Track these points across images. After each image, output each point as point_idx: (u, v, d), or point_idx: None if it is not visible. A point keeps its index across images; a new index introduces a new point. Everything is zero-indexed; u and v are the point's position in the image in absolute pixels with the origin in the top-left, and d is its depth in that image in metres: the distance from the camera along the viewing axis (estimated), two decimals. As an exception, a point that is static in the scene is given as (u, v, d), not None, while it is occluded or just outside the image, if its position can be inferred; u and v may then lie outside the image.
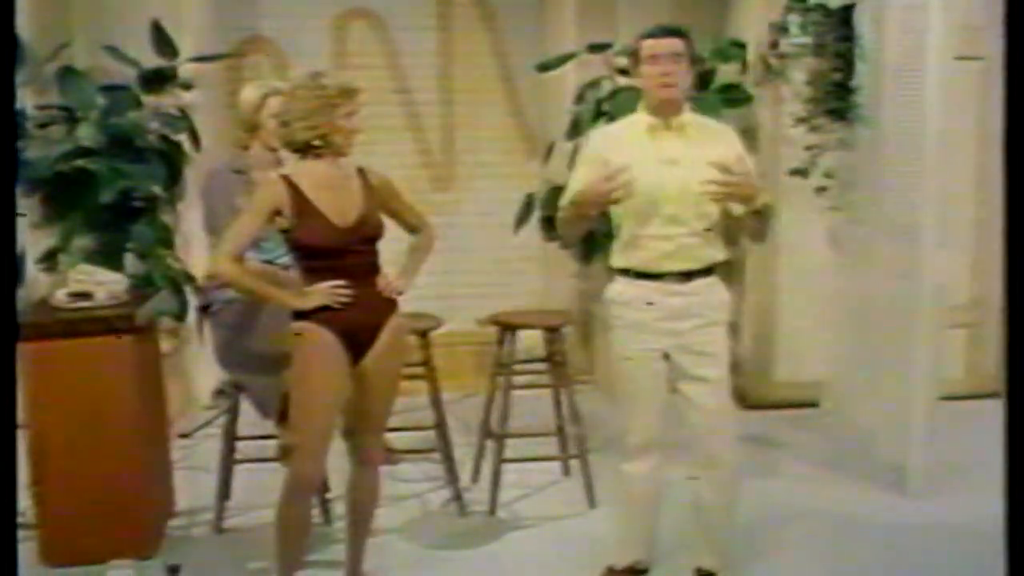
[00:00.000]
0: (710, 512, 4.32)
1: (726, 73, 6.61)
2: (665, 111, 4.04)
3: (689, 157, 3.95)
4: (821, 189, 6.16)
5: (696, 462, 4.22)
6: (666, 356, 4.10)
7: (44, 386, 4.34)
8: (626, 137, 4.12)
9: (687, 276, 4.05)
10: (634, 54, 4.06)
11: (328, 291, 3.78)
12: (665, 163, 3.98)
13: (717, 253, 4.13)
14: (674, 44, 3.96)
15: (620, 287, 4.17)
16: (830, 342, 6.30)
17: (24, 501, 4.51)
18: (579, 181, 4.10)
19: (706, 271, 4.09)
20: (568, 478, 5.55)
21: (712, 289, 4.12)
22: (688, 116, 4.08)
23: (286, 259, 4.42)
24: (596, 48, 6.53)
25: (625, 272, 4.15)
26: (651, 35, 4.00)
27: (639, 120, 4.12)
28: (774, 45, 6.47)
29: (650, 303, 4.07)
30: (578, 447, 5.27)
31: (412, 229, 4.18)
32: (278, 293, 3.93)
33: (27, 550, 4.47)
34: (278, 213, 3.78)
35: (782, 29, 6.38)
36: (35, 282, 5.85)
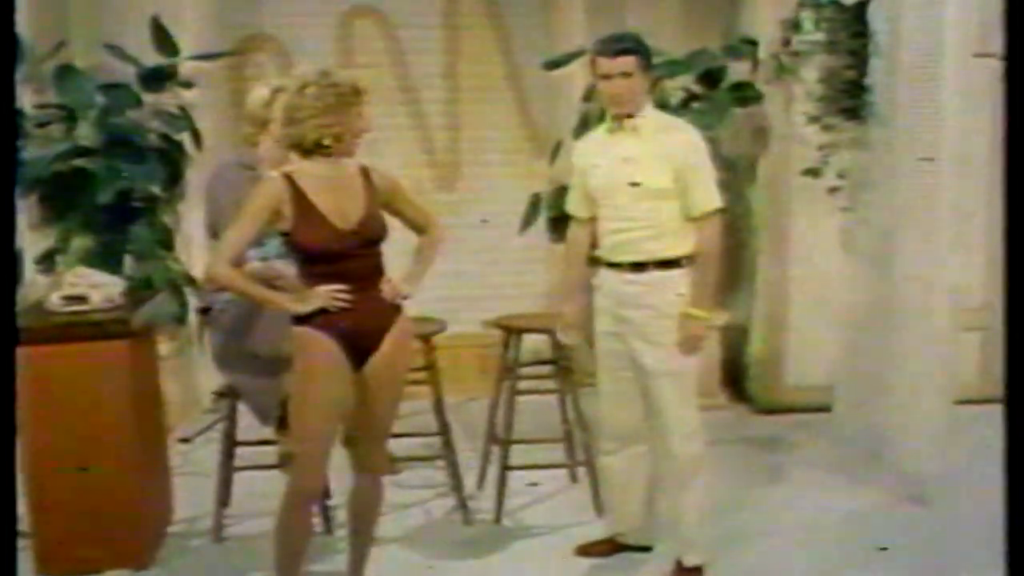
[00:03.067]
0: (671, 505, 4.50)
1: (737, 71, 6.56)
2: (620, 116, 4.32)
3: (642, 155, 4.24)
4: (834, 189, 6.11)
5: (655, 453, 4.47)
6: (624, 340, 4.35)
7: (37, 392, 4.22)
8: (596, 139, 4.51)
9: (639, 267, 4.29)
10: (592, 61, 4.31)
11: (327, 295, 3.67)
12: (620, 161, 4.28)
13: (675, 247, 4.27)
14: (624, 63, 4.20)
15: (599, 274, 4.49)
16: (841, 345, 6.25)
17: (20, 509, 4.41)
18: (573, 200, 4.60)
19: (664, 264, 4.27)
20: (575, 485, 5.46)
21: (669, 282, 4.28)
22: (644, 118, 4.31)
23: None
24: None
25: (597, 261, 4.48)
26: (602, 52, 4.25)
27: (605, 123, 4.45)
28: (786, 42, 6.41)
29: (605, 288, 4.42)
30: (585, 453, 5.16)
31: (419, 230, 4.04)
32: (275, 297, 3.83)
33: (23, 559, 4.35)
34: (278, 213, 3.66)
35: (794, 26, 6.31)
36: (33, 284, 5.76)
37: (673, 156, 4.22)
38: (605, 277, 4.43)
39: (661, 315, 4.27)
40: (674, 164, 4.21)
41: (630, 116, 4.28)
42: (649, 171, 4.22)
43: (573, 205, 4.61)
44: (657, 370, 4.29)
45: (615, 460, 4.60)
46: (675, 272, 4.28)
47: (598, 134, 4.51)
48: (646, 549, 4.71)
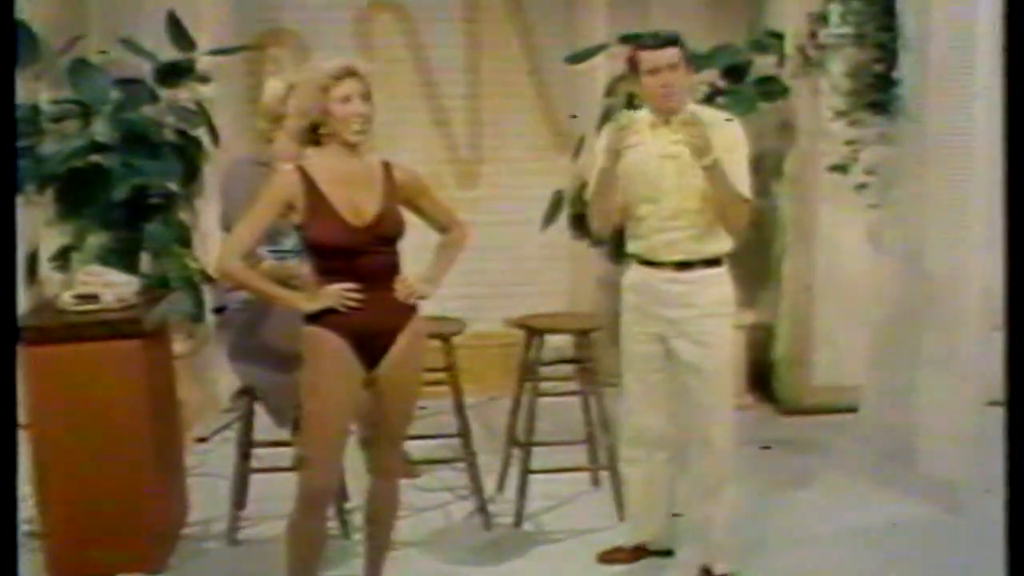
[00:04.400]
0: (700, 509, 4.40)
1: (762, 65, 6.50)
2: (666, 110, 4.20)
3: (687, 153, 4.07)
4: (861, 186, 6.02)
5: (690, 454, 4.38)
6: (662, 340, 4.26)
7: (48, 392, 4.19)
8: (632, 132, 4.23)
9: (685, 266, 4.21)
10: (632, 62, 4.25)
11: (338, 293, 3.58)
12: (664, 157, 4.17)
13: (717, 246, 4.24)
14: (671, 55, 4.14)
15: (631, 272, 4.41)
16: (869, 345, 6.14)
17: (31, 511, 4.40)
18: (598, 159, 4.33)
19: (708, 263, 4.23)
20: (598, 489, 5.35)
21: (713, 281, 4.26)
22: (689, 112, 4.18)
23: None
24: (628, 39, 6.34)
25: (632, 258, 4.39)
26: (647, 46, 4.18)
27: (644, 116, 4.28)
28: (813, 35, 6.31)
29: (640, 287, 4.32)
30: (608, 457, 5.06)
31: (441, 228, 3.95)
32: (286, 295, 3.74)
33: (34, 562, 4.34)
34: (291, 207, 3.58)
35: (821, 19, 6.21)
36: (48, 281, 5.72)
37: (718, 151, 4.06)
38: (641, 276, 4.33)
39: (706, 314, 4.22)
40: (721, 158, 4.08)
41: (675, 112, 4.16)
42: (695, 169, 4.06)
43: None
44: (702, 367, 4.22)
45: (639, 468, 4.52)
46: (719, 270, 4.26)
47: (637, 128, 4.22)
48: (668, 553, 4.65)
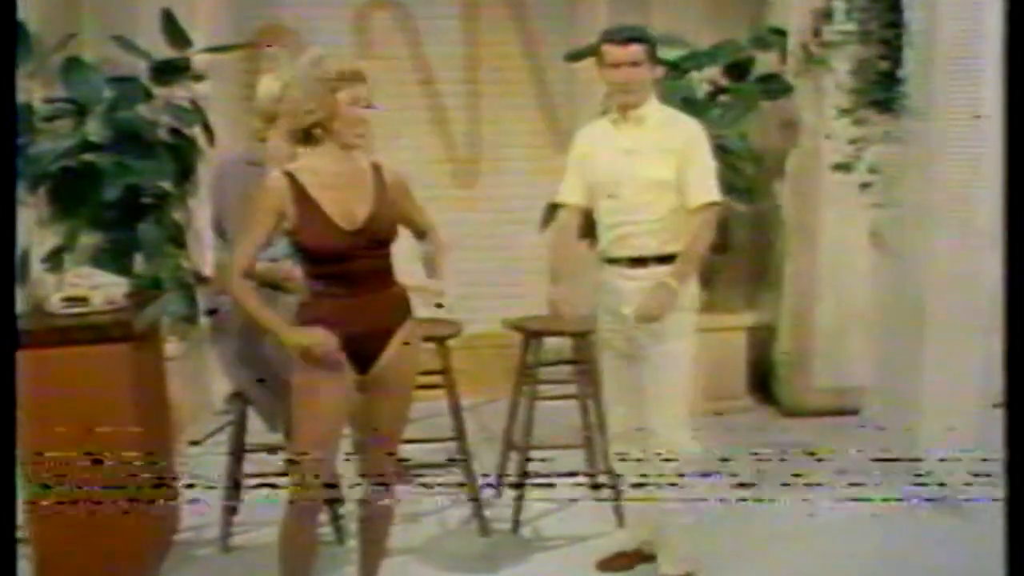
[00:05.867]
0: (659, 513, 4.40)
1: (765, 62, 6.45)
2: (625, 106, 4.24)
3: (645, 148, 4.18)
4: (865, 185, 5.97)
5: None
6: (627, 338, 4.26)
7: (36, 396, 4.06)
8: (597, 130, 4.42)
9: (639, 262, 4.21)
10: (597, 51, 4.24)
11: (324, 341, 3.49)
12: (623, 153, 4.23)
13: (673, 243, 4.18)
14: (633, 52, 4.15)
15: (600, 271, 4.41)
16: (872, 345, 6.10)
17: (20, 517, 4.30)
18: (567, 185, 4.42)
19: (663, 259, 4.17)
20: (596, 493, 5.28)
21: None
22: (650, 108, 4.25)
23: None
24: None
25: (600, 255, 4.41)
26: (611, 40, 4.19)
27: (609, 113, 4.38)
28: (816, 32, 6.29)
29: (606, 285, 4.34)
30: (606, 460, 4.98)
31: (420, 233, 3.88)
32: (276, 323, 3.59)
33: (22, 569, 4.26)
34: (282, 213, 3.50)
35: (825, 15, 6.19)
36: (41, 282, 5.64)
37: (675, 149, 4.16)
38: (605, 273, 4.35)
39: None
40: (676, 156, 4.15)
41: (635, 107, 4.22)
42: (652, 164, 4.16)
43: (567, 191, 4.43)
44: (657, 364, 4.20)
45: (629, 464, 4.47)
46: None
47: (601, 124, 4.43)
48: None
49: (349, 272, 3.54)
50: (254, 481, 4.86)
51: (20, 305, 5.18)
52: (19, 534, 4.35)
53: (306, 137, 3.54)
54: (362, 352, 3.59)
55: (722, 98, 6.51)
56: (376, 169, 3.65)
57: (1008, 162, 2.12)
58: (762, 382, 6.93)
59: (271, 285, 4.06)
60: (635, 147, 4.19)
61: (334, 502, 4.61)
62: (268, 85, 4.65)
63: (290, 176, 3.52)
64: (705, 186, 4.17)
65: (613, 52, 4.15)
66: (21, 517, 4.28)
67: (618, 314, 4.25)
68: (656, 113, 4.26)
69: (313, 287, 3.58)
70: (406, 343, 3.68)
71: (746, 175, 6.47)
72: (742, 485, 5.32)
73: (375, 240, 3.57)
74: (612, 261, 4.29)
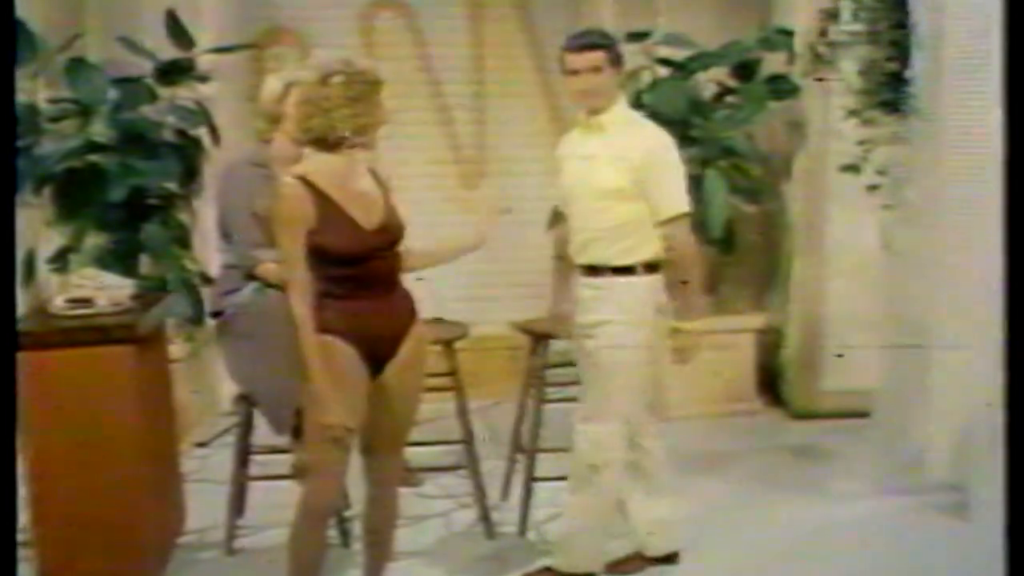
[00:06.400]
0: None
1: (772, 63, 6.42)
2: (586, 112, 4.24)
3: (601, 155, 4.14)
4: (873, 187, 5.92)
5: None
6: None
7: (39, 399, 4.05)
8: (571, 136, 4.38)
9: (594, 271, 4.20)
10: (561, 57, 4.20)
11: (342, 426, 3.49)
12: (581, 160, 4.22)
13: (630, 254, 4.14)
14: (592, 59, 4.10)
15: None
16: (882, 348, 6.01)
17: (23, 519, 4.25)
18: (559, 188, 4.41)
19: (618, 270, 4.14)
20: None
21: (621, 289, 4.16)
22: (612, 115, 4.19)
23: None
24: (635, 37, 6.34)
25: None
26: (569, 47, 4.15)
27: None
28: (823, 32, 6.23)
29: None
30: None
31: None
32: (321, 375, 3.47)
33: (25, 571, 4.20)
34: (306, 219, 3.45)
35: (832, 15, 6.14)
36: (47, 283, 5.62)
37: (631, 157, 4.09)
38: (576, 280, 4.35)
39: (604, 321, 4.16)
40: (632, 165, 4.09)
41: (597, 113, 4.19)
42: (604, 171, 4.12)
43: (559, 201, 4.48)
44: (597, 369, 4.20)
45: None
46: (632, 279, 4.15)
47: (574, 132, 4.39)
48: (671, 559, 4.58)
49: (366, 274, 3.53)
50: (260, 484, 4.84)
51: (25, 306, 5.18)
52: (22, 536, 4.37)
53: (338, 142, 3.50)
54: (375, 355, 3.57)
55: (729, 99, 6.48)
56: (372, 173, 3.65)
57: (1008, 162, 2.11)
58: (770, 384, 6.89)
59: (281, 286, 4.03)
60: (592, 154, 4.17)
61: (340, 504, 4.56)
62: (271, 86, 4.64)
63: (305, 181, 3.48)
64: (671, 197, 4.12)
65: (572, 59, 4.12)
66: (25, 519, 4.27)
67: (581, 324, 4.25)
68: (618, 120, 4.21)
69: (327, 290, 3.53)
70: (416, 345, 3.67)
71: (753, 176, 6.45)
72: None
73: (390, 239, 3.57)
74: (578, 267, 4.29)
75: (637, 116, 4.38)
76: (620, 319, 4.13)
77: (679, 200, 4.13)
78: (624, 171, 4.08)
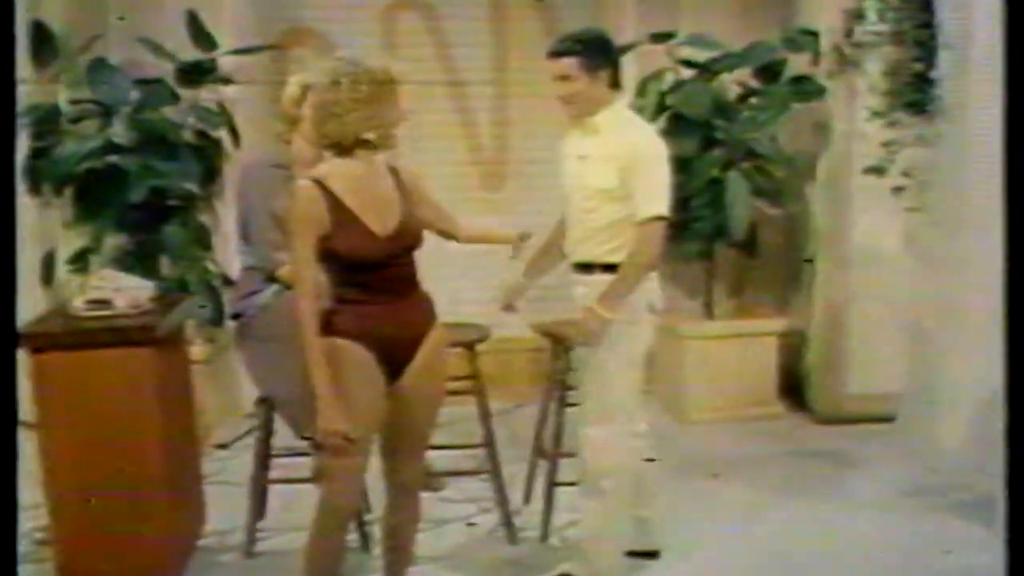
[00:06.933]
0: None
1: (797, 64, 6.37)
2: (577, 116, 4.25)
3: (593, 155, 4.16)
4: (898, 189, 5.92)
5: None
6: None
7: (57, 400, 4.07)
8: (571, 136, 4.33)
9: (585, 268, 4.23)
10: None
11: (341, 434, 3.44)
12: (576, 160, 4.24)
13: (620, 252, 4.13)
14: (561, 67, 4.12)
15: None
16: (906, 352, 6.02)
17: (41, 522, 4.33)
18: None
19: (609, 267, 4.15)
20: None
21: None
22: (605, 116, 4.17)
23: None
24: (658, 38, 6.32)
25: None
26: (547, 54, 4.18)
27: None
28: (849, 33, 6.18)
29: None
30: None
31: (449, 235, 3.86)
32: (324, 377, 3.45)
33: (44, 572, 4.26)
34: (319, 222, 3.42)
35: (858, 16, 6.11)
36: (67, 284, 5.63)
37: (618, 156, 4.09)
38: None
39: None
40: (620, 164, 4.08)
41: (584, 115, 4.18)
42: (597, 171, 4.14)
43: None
44: (587, 368, 4.23)
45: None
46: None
47: (574, 131, 4.35)
48: (652, 555, 4.58)
49: (381, 279, 3.49)
50: (281, 486, 4.81)
51: (46, 306, 5.19)
52: (42, 536, 4.36)
53: (356, 145, 3.46)
54: (392, 359, 3.53)
55: (753, 100, 6.43)
56: (394, 172, 3.60)
57: (1008, 162, 2.09)
58: (794, 388, 6.84)
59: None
60: (587, 154, 4.18)
61: (360, 507, 4.53)
62: (290, 88, 4.61)
63: (319, 183, 3.44)
64: (649, 200, 4.08)
65: (548, 67, 4.15)
66: (44, 520, 4.27)
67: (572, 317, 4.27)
68: (610, 120, 4.18)
69: (342, 294, 3.51)
70: (435, 349, 3.63)
71: (777, 178, 6.41)
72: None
73: (405, 246, 3.52)
74: (572, 266, 4.33)
75: (633, 117, 4.36)
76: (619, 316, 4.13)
77: (656, 203, 4.09)
78: (613, 171, 4.09)
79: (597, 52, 4.14)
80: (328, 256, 3.47)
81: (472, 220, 3.83)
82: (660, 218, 4.08)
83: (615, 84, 4.22)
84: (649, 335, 4.24)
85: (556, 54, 4.12)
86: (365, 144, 3.45)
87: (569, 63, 4.09)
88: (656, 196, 4.09)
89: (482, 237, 4.31)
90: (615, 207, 4.11)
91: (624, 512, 4.35)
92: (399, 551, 3.90)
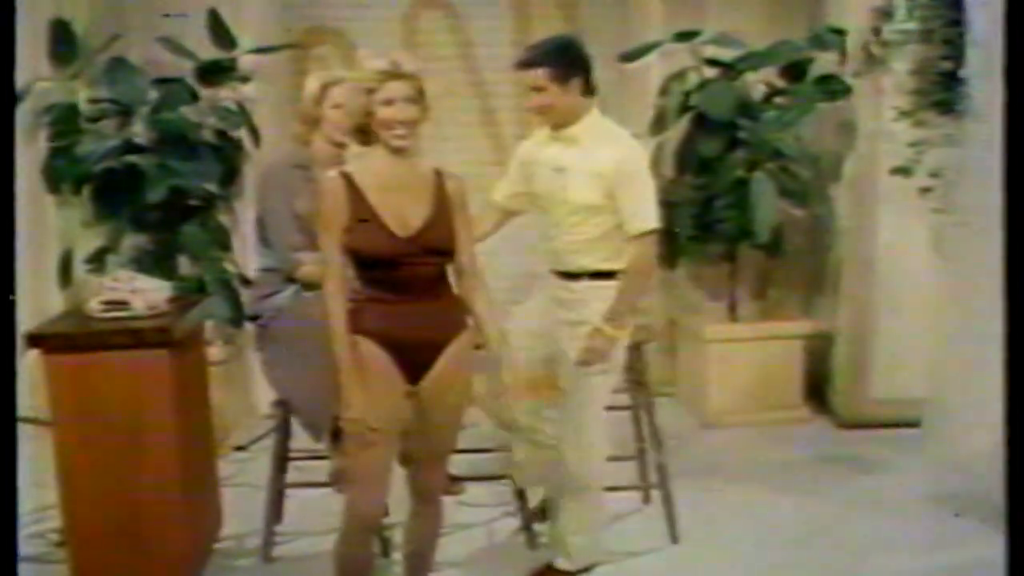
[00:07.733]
0: (563, 503, 4.43)
1: (823, 62, 6.31)
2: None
3: (574, 168, 4.08)
4: (926, 189, 5.85)
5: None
6: (554, 341, 4.26)
7: (73, 402, 4.03)
8: (540, 141, 4.30)
9: (572, 276, 4.19)
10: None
11: (364, 421, 3.40)
12: (553, 171, 4.15)
13: (608, 261, 4.12)
14: (532, 77, 4.05)
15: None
16: (934, 355, 5.89)
17: (56, 523, 4.33)
18: (505, 181, 4.47)
19: (597, 275, 4.14)
20: (648, 506, 5.12)
21: (599, 294, 4.13)
22: (583, 126, 4.11)
23: None
24: (683, 37, 6.28)
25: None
26: (515, 65, 4.15)
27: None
28: (876, 31, 6.10)
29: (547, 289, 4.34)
30: (659, 473, 4.85)
31: (458, 269, 3.61)
32: (347, 363, 3.41)
33: (60, 572, 4.23)
34: (342, 214, 3.39)
35: (886, 14, 6.02)
36: (85, 284, 5.60)
37: (603, 172, 4.03)
38: (550, 282, 4.34)
39: (583, 320, 4.15)
40: (605, 180, 4.03)
41: (562, 125, 4.12)
42: (580, 186, 4.08)
43: (497, 189, 4.52)
44: (576, 371, 4.16)
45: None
46: (611, 283, 4.13)
47: (542, 137, 4.30)
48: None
49: (399, 279, 3.43)
50: (298, 490, 4.77)
51: (64, 306, 5.18)
52: (58, 538, 4.34)
53: (362, 139, 3.47)
54: (412, 361, 3.47)
55: (778, 100, 6.36)
56: (437, 175, 3.54)
57: (1008, 163, 2.05)
58: (818, 392, 6.76)
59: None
60: (566, 166, 4.10)
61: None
62: (309, 87, 4.59)
63: (347, 177, 3.42)
64: (639, 214, 4.05)
65: (521, 77, 4.11)
66: (60, 522, 4.24)
67: (563, 321, 4.22)
68: (589, 132, 4.11)
69: (363, 291, 3.47)
70: (460, 354, 3.55)
71: (802, 179, 6.34)
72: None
73: (429, 248, 3.44)
74: (553, 272, 4.29)
75: (611, 128, 4.23)
76: (599, 321, 4.11)
77: (646, 217, 4.07)
78: (598, 188, 4.04)
79: (567, 61, 4.07)
80: (347, 251, 3.44)
81: (477, 287, 3.65)
82: (654, 231, 4.08)
83: (589, 91, 4.13)
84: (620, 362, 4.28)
85: (524, 65, 4.07)
86: (366, 140, 3.45)
87: (538, 74, 4.03)
88: (646, 209, 4.08)
89: (471, 306, 3.66)
90: (601, 219, 4.09)
91: (601, 505, 4.43)
92: (420, 558, 3.84)
